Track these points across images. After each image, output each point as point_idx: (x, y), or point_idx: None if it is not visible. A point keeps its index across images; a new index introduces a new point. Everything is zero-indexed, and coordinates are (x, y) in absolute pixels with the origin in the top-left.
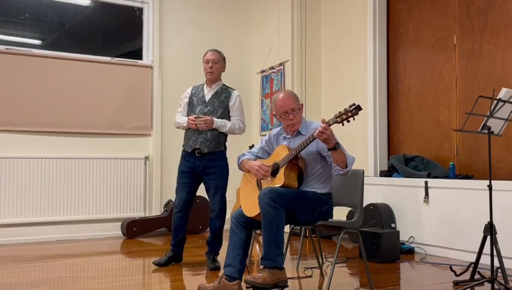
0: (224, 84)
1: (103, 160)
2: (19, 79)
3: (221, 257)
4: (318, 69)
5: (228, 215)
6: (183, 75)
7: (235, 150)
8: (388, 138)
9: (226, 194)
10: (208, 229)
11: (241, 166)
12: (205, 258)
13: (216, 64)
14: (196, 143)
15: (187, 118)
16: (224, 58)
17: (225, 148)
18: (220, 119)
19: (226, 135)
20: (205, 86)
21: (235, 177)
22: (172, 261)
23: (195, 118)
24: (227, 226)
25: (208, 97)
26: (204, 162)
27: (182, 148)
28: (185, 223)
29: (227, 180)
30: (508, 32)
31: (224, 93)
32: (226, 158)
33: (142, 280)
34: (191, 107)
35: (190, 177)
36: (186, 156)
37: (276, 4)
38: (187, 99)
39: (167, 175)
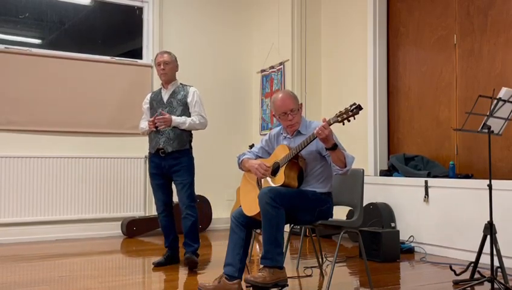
0: (181, 83)
1: (103, 159)
2: (19, 78)
3: (220, 256)
4: (318, 69)
5: (228, 215)
6: (183, 74)
7: (235, 149)
8: (388, 137)
9: (229, 195)
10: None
11: (241, 165)
12: (205, 257)
13: (168, 64)
14: (159, 143)
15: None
16: (176, 59)
17: (190, 147)
18: (178, 117)
19: (190, 134)
20: (162, 88)
21: (234, 177)
22: (171, 260)
23: (154, 118)
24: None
25: (165, 98)
26: (169, 162)
27: (148, 151)
28: (171, 222)
29: (193, 176)
30: (508, 32)
31: (181, 92)
32: (192, 157)
33: (142, 279)
34: (152, 112)
35: (160, 178)
36: (152, 157)
37: (276, 4)
38: (147, 105)
39: None
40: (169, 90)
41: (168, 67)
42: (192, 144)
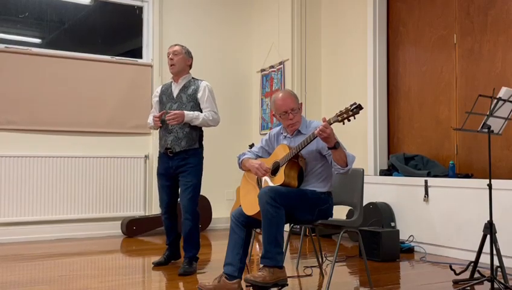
0: (192, 77)
1: (103, 159)
2: (19, 78)
3: (220, 255)
4: (318, 68)
5: (228, 215)
6: None
7: (235, 149)
8: (388, 137)
9: (229, 195)
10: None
11: (241, 165)
12: (205, 257)
13: (177, 55)
14: (167, 143)
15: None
16: (188, 52)
17: (200, 146)
18: (191, 112)
19: (201, 132)
20: (173, 82)
21: (234, 177)
22: (171, 259)
23: (161, 114)
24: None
25: (175, 93)
26: (176, 162)
27: (158, 150)
28: (173, 223)
29: (199, 178)
30: (508, 31)
31: (191, 86)
32: (201, 157)
33: (141, 279)
34: (161, 106)
35: (167, 180)
36: (161, 157)
37: (276, 3)
38: (157, 98)
39: None
40: (180, 84)
41: (177, 58)
42: (204, 142)
